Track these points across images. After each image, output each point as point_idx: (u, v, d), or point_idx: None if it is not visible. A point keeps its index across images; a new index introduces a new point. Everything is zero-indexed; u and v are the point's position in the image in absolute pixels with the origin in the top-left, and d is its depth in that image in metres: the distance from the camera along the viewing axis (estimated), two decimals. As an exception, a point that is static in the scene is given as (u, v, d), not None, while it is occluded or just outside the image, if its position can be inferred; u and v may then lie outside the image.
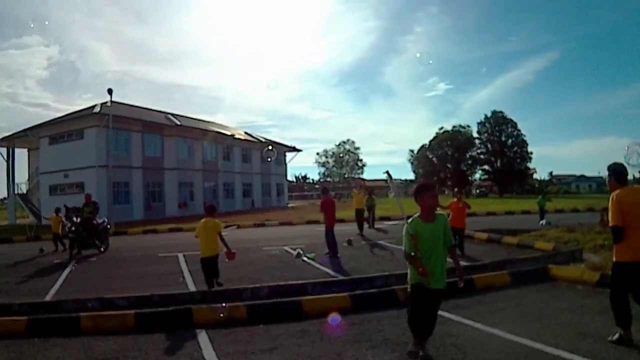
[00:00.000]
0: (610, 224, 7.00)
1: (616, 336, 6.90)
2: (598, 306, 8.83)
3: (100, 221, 20.64)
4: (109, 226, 21.97)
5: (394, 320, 8.50)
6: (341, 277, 12.64)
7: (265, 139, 74.34)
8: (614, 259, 7.11)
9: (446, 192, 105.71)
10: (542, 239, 18.15)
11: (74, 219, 19.51)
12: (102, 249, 20.22)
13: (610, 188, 7.32)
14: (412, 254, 6.28)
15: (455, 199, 17.11)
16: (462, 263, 14.14)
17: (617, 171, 7.34)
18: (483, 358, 6.54)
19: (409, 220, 6.46)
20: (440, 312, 8.78)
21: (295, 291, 10.70)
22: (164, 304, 9.76)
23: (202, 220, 11.55)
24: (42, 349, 7.53)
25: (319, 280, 11.68)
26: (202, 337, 7.94)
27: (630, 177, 7.88)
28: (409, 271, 6.53)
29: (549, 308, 8.90)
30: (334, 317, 8.02)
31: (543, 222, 26.51)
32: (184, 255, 17.74)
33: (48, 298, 11.56)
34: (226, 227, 12.35)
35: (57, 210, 21.71)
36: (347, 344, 7.32)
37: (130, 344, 7.66)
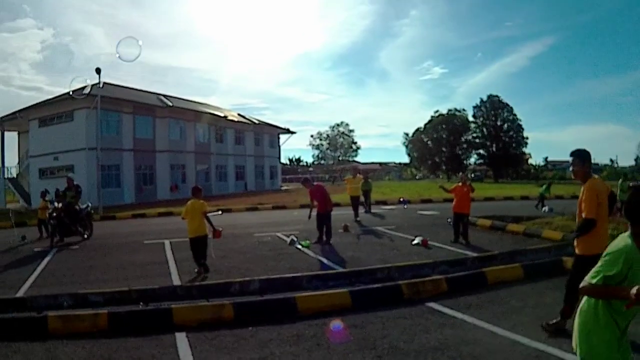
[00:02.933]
0: (588, 215, 6.60)
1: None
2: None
3: (83, 206, 19.59)
4: (92, 211, 20.87)
5: (399, 321, 7.64)
6: (339, 269, 11.65)
7: (258, 120, 73.26)
8: (583, 252, 6.74)
9: (440, 177, 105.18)
10: (548, 227, 17.26)
11: (55, 204, 18.44)
12: (85, 236, 19.16)
13: (580, 175, 6.91)
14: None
15: (460, 183, 16.18)
16: (469, 253, 13.39)
17: (589, 157, 6.96)
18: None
19: (624, 241, 3.51)
20: (452, 313, 7.94)
21: (288, 285, 9.85)
22: (142, 300, 8.91)
23: (189, 202, 12.19)
24: (2, 357, 6.58)
25: (315, 273, 10.76)
26: (182, 342, 6.98)
27: None
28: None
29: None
30: (336, 325, 7.05)
31: (546, 208, 25.96)
32: (170, 243, 16.80)
33: (22, 291, 10.65)
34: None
35: (43, 194, 20.67)
36: (349, 352, 6.37)
37: (100, 351, 6.71)
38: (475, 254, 12.98)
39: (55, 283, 11.44)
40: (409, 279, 9.88)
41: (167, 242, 16.90)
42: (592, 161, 7.00)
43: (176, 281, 11.26)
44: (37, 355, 6.61)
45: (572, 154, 6.93)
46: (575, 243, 6.90)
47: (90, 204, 20.68)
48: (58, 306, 8.72)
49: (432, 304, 8.41)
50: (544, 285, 9.50)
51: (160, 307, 8.22)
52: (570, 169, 7.01)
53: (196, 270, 12.01)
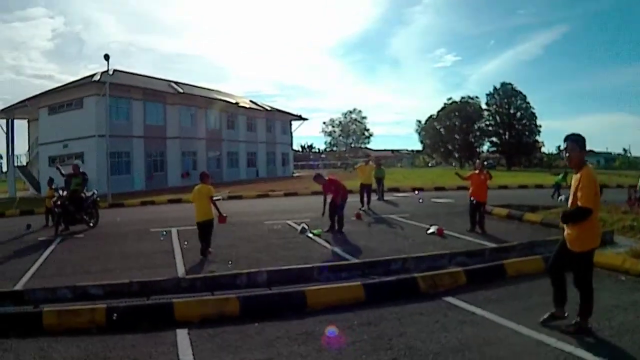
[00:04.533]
0: (587, 204, 6.14)
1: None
2: (653, 303, 7.52)
3: (89, 194, 19.14)
4: (98, 199, 20.39)
5: (416, 318, 7.16)
6: (352, 260, 11.18)
7: (270, 107, 72.87)
8: (582, 249, 6.35)
9: (453, 164, 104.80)
10: (566, 217, 16.71)
11: (60, 191, 18.08)
12: (91, 224, 18.75)
13: (576, 162, 6.43)
14: None
15: (477, 171, 15.73)
16: (486, 243, 12.92)
17: (585, 143, 6.53)
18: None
19: None
20: (471, 308, 7.46)
21: (298, 277, 9.40)
22: (144, 294, 8.52)
23: (197, 187, 12.75)
24: (-8, 354, 6.16)
25: (326, 264, 10.21)
26: (183, 339, 6.51)
27: None
28: None
29: (597, 305, 7.26)
30: (331, 330, 6.61)
31: (562, 197, 25.37)
32: (177, 231, 16.36)
33: (22, 282, 10.33)
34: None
35: (50, 182, 20.30)
36: (363, 354, 5.86)
37: (95, 349, 6.25)
38: (492, 244, 12.54)
39: (57, 274, 11.10)
40: (425, 270, 9.46)
41: (174, 230, 16.45)
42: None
43: (181, 272, 10.89)
44: (29, 354, 6.17)
45: (569, 138, 6.49)
46: (568, 238, 6.43)
47: (96, 192, 20.27)
48: (56, 299, 8.33)
49: (450, 299, 7.95)
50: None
51: (161, 302, 7.81)
52: (566, 154, 6.49)
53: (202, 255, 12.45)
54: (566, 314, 6.63)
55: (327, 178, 16.78)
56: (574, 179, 6.37)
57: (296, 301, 7.73)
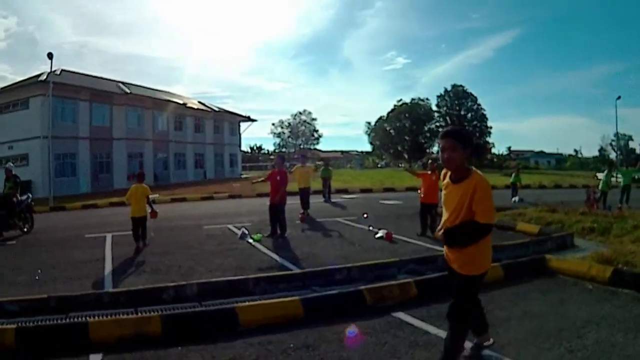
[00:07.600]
0: (491, 220, 4.73)
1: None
2: (624, 316, 6.97)
3: (22, 198, 18.02)
4: (32, 202, 19.22)
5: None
6: (292, 270, 10.35)
7: (219, 108, 71.94)
8: (473, 272, 5.02)
9: (401, 165, 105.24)
10: (521, 218, 16.46)
11: None
12: (25, 230, 17.65)
13: (458, 163, 4.87)
14: None
15: (429, 172, 15.06)
16: (439, 248, 12.19)
17: (471, 141, 5.20)
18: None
19: None
20: (424, 326, 6.65)
21: (231, 289, 8.55)
22: (63, 310, 7.60)
23: (133, 186, 13.96)
24: None
25: (262, 275, 9.34)
26: (95, 369, 5.58)
27: None
28: None
29: (566, 320, 6.71)
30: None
31: (516, 199, 25.36)
32: (112, 236, 15.48)
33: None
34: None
35: None
36: (297, 387, 5.05)
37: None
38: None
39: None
40: (372, 280, 8.89)
41: (108, 236, 15.55)
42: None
43: (108, 283, 9.92)
44: None
45: (447, 134, 4.94)
46: (459, 262, 5.06)
47: (30, 195, 19.19)
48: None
49: (400, 314, 7.19)
50: (527, 289, 8.35)
51: (75, 321, 6.87)
52: (445, 155, 4.87)
53: (135, 247, 13.35)
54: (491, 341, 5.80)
55: (283, 170, 16.29)
56: (454, 188, 4.99)
57: (226, 319, 6.88)
